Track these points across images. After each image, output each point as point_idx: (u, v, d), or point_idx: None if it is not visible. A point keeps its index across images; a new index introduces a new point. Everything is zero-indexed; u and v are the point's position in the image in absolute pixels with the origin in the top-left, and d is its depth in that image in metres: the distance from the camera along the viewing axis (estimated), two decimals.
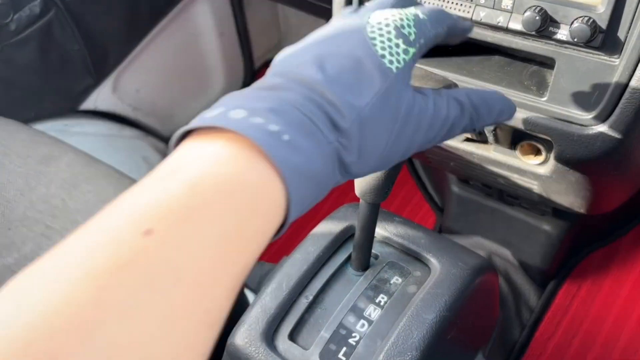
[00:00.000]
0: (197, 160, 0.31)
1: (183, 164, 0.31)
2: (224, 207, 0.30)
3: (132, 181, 0.84)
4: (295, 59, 0.39)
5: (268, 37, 1.61)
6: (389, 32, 0.40)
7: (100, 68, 1.23)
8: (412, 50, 0.41)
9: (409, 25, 0.41)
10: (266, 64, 1.64)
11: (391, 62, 0.40)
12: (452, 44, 0.49)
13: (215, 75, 1.51)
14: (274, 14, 1.58)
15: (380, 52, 0.39)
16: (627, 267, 1.13)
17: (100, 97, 1.28)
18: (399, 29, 0.41)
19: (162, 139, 1.41)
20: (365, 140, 0.38)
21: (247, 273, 0.31)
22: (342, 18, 0.43)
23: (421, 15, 0.43)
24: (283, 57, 0.40)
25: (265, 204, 0.32)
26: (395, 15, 0.41)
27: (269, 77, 0.39)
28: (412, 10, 0.43)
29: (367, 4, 0.46)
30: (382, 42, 0.40)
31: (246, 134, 0.32)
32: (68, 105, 1.22)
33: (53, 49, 1.12)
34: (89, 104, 1.26)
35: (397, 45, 0.40)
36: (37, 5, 1.06)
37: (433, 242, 0.68)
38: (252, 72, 1.60)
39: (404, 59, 0.40)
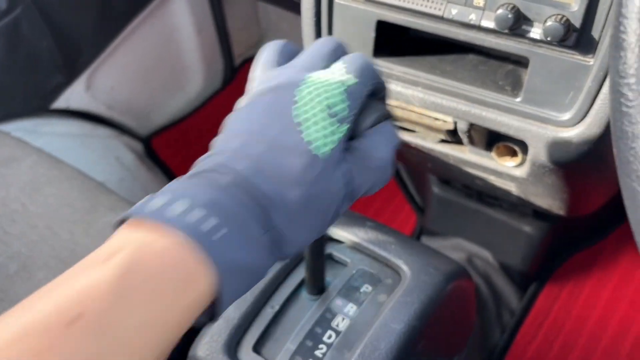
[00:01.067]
0: (132, 248, 0.33)
1: (118, 251, 0.33)
2: (150, 295, 0.32)
3: (97, 184, 0.81)
4: (232, 142, 0.39)
5: (248, 34, 1.58)
6: (321, 111, 0.39)
7: (72, 65, 1.20)
8: (344, 127, 0.40)
9: (341, 101, 0.40)
10: (246, 62, 1.61)
11: (324, 144, 0.39)
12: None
13: (193, 73, 1.48)
14: (254, 10, 1.55)
15: (314, 135, 0.39)
16: (609, 270, 1.11)
17: (73, 96, 1.24)
18: (330, 108, 0.40)
19: (138, 138, 1.38)
20: (297, 227, 0.39)
21: (167, 354, 0.33)
22: (270, 88, 0.41)
23: (352, 81, 0.41)
24: (223, 137, 0.41)
25: (192, 295, 0.33)
26: (327, 92, 0.40)
27: (211, 158, 0.39)
28: (342, 78, 0.41)
29: (296, 62, 0.44)
30: (316, 123, 0.39)
31: (184, 231, 0.33)
32: (38, 104, 1.18)
33: (21, 46, 1.08)
34: (60, 102, 1.22)
35: (331, 124, 0.39)
36: (3, 1, 1.02)
37: (405, 247, 0.66)
38: (232, 69, 1.57)
39: (337, 138, 0.40)
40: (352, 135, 0.43)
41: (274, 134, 0.39)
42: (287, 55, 0.46)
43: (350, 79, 0.41)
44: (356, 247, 0.67)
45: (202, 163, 0.39)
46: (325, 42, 0.45)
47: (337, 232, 0.68)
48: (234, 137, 0.40)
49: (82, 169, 0.85)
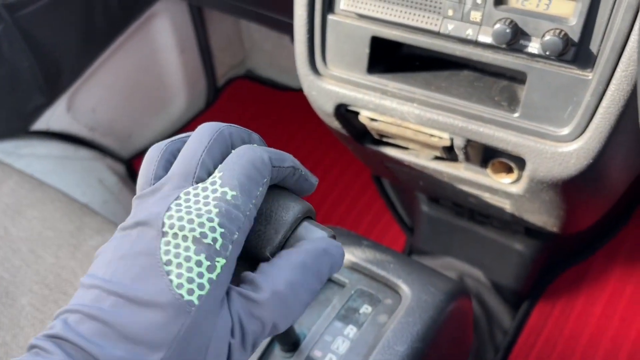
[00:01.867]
0: None
1: None
2: None
3: (81, 205, 0.78)
4: (86, 295, 0.33)
5: (231, 54, 1.57)
6: (187, 249, 0.32)
7: (53, 86, 1.17)
8: (220, 262, 0.33)
9: (212, 229, 0.33)
10: (229, 82, 1.60)
11: (191, 291, 0.32)
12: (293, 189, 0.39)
13: (176, 93, 1.46)
14: (237, 30, 1.54)
15: (177, 281, 0.32)
16: (599, 286, 1.11)
17: (54, 117, 1.21)
18: (199, 241, 0.32)
19: (120, 160, 1.35)
20: None
21: None
22: (137, 221, 0.34)
23: (228, 196, 0.33)
24: (83, 284, 0.34)
25: None
26: (197, 219, 0.33)
27: (58, 321, 0.32)
28: (217, 194, 0.34)
29: (171, 174, 0.36)
30: (179, 265, 0.32)
31: None
32: (18, 126, 1.15)
33: (1, 66, 1.06)
34: (41, 124, 1.19)
35: (199, 264, 0.32)
36: None
37: (403, 266, 0.65)
38: (215, 90, 1.56)
39: (209, 280, 0.32)
40: (252, 259, 0.36)
41: (127, 281, 0.32)
42: (170, 163, 0.37)
43: (225, 193, 0.34)
44: (354, 267, 0.65)
45: (55, 321, 0.33)
46: (201, 138, 0.36)
47: None
48: (89, 289, 0.33)
49: (65, 191, 0.82)
